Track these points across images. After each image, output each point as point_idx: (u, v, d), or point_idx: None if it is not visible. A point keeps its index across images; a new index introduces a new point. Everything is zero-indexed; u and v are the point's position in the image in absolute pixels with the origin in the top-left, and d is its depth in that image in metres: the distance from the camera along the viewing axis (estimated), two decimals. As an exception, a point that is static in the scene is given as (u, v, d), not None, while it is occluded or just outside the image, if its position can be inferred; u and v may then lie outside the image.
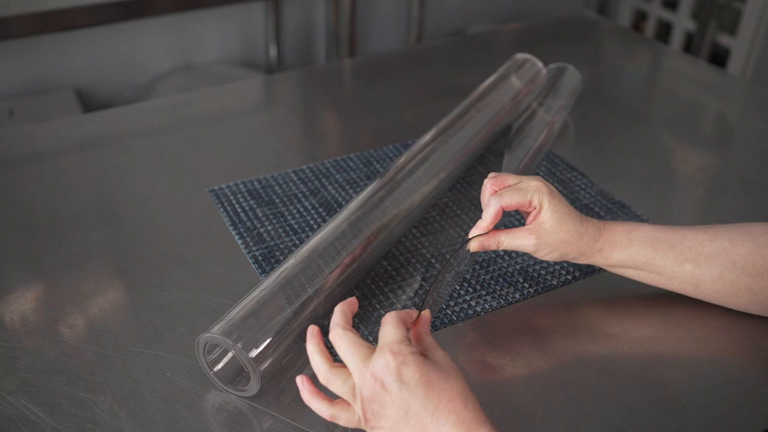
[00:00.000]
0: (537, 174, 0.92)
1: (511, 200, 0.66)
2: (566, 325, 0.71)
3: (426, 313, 0.57)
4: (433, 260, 0.77)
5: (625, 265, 0.69)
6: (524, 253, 0.78)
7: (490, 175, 0.69)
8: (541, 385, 0.64)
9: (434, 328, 0.69)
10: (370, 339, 0.67)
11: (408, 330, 0.54)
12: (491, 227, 0.67)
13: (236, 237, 0.79)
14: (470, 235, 0.67)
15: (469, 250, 0.68)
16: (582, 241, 0.67)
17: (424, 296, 0.58)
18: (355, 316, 0.69)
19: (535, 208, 0.66)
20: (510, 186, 0.67)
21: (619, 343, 0.69)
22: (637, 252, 0.68)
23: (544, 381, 0.65)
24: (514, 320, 0.71)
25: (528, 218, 0.67)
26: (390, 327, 0.53)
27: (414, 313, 0.56)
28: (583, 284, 0.75)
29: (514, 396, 0.63)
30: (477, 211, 0.84)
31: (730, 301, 0.68)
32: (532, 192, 0.66)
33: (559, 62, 1.05)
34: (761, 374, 0.66)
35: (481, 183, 0.89)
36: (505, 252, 0.78)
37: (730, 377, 0.66)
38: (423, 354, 0.52)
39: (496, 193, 0.67)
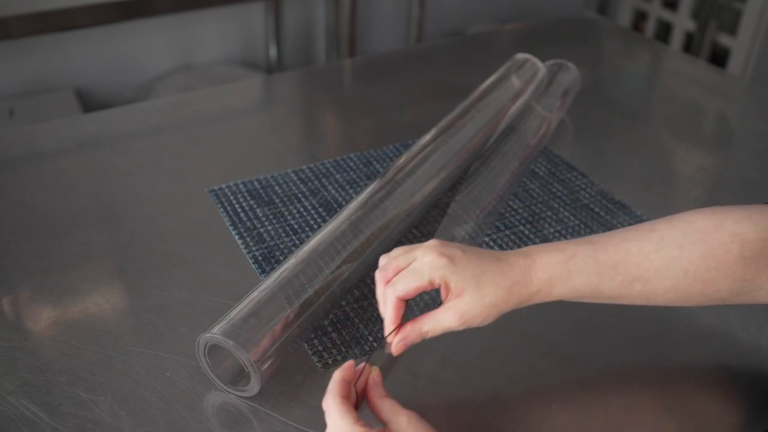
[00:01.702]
0: (537, 174, 0.92)
1: (407, 286, 0.56)
2: (566, 325, 0.71)
3: (374, 375, 0.51)
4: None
5: (567, 298, 0.60)
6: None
7: (380, 264, 0.59)
8: (541, 385, 0.64)
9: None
10: (370, 339, 0.67)
11: (362, 401, 0.50)
12: (399, 321, 0.57)
13: (236, 237, 0.79)
14: (386, 335, 0.57)
15: (391, 353, 0.57)
16: (513, 295, 0.57)
17: (368, 357, 0.52)
18: (356, 316, 0.69)
19: (440, 286, 0.56)
20: (402, 270, 0.57)
21: (619, 342, 0.69)
22: (579, 283, 0.58)
23: (544, 381, 0.65)
24: (513, 320, 0.71)
25: (442, 295, 0.57)
26: (335, 417, 0.48)
27: (350, 373, 0.50)
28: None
29: (514, 396, 0.63)
30: (478, 211, 0.84)
31: (683, 305, 0.61)
32: (428, 270, 0.56)
33: (556, 59, 1.05)
34: (761, 374, 0.66)
35: (483, 184, 0.89)
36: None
37: (730, 377, 0.66)
38: (386, 425, 0.48)
39: (390, 283, 0.57)
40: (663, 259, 0.57)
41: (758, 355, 0.68)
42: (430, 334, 0.57)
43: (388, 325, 0.57)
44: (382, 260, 0.59)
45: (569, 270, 0.58)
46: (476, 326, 0.57)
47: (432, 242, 0.58)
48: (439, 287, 0.56)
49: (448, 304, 0.56)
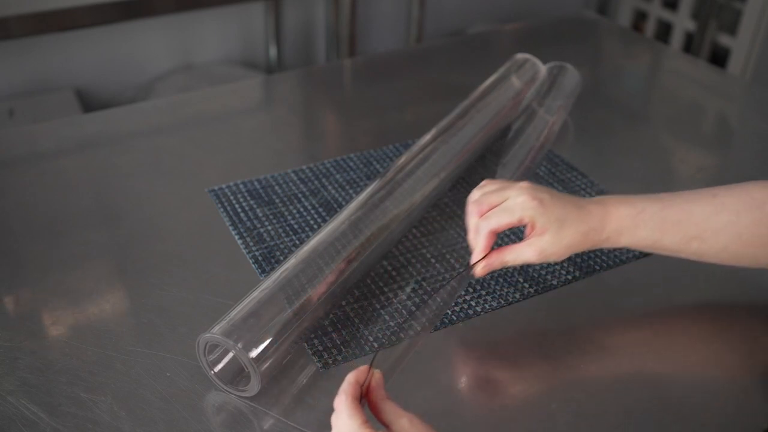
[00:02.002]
0: (537, 174, 0.92)
1: (499, 222, 0.64)
2: (566, 325, 0.71)
3: (377, 377, 0.52)
4: (433, 260, 0.77)
5: (632, 247, 0.68)
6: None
7: (472, 198, 0.67)
8: (541, 385, 0.64)
9: (434, 328, 0.69)
10: (370, 339, 0.67)
11: (363, 403, 0.50)
12: (488, 251, 0.65)
13: (236, 237, 0.79)
14: (472, 262, 0.66)
15: (472, 275, 0.66)
16: (587, 240, 0.65)
17: (374, 357, 0.54)
18: (356, 316, 0.69)
19: (527, 224, 0.64)
20: (495, 206, 0.65)
21: (619, 342, 0.69)
22: (644, 236, 0.66)
23: (544, 381, 0.65)
24: (514, 320, 0.71)
25: (526, 231, 0.65)
26: (344, 417, 0.48)
27: (363, 375, 0.51)
28: (583, 284, 0.75)
29: (514, 396, 0.63)
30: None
31: (733, 264, 0.68)
32: (520, 210, 0.63)
33: (557, 61, 1.05)
34: (762, 374, 0.66)
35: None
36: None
37: (730, 377, 0.66)
38: (388, 427, 0.49)
39: (484, 216, 0.65)
40: (721, 223, 0.65)
41: (759, 356, 0.68)
42: (510, 264, 0.66)
43: (478, 253, 0.65)
44: (476, 193, 0.67)
45: (637, 223, 0.65)
46: (551, 261, 0.66)
47: (524, 184, 0.65)
48: (525, 225, 0.64)
49: (531, 240, 0.64)
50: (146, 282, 0.73)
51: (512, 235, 0.80)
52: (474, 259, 0.66)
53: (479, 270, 0.66)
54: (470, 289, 0.73)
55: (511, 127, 0.93)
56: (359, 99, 1.14)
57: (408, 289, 0.73)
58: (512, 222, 0.64)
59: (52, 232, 0.79)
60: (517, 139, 0.87)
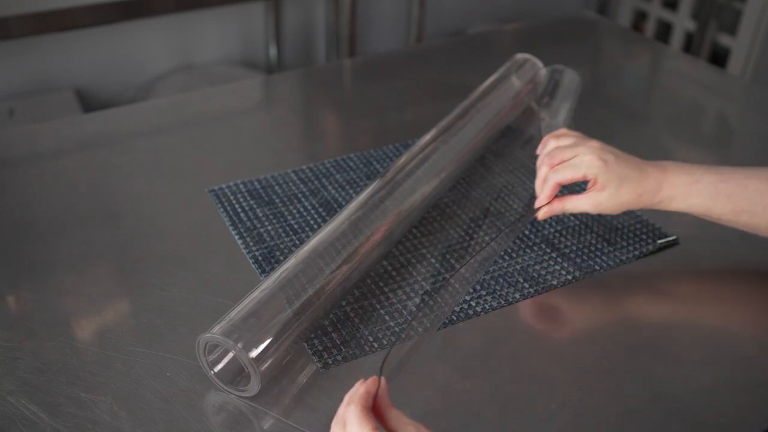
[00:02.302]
0: (535, 171, 0.92)
1: (565, 176, 0.72)
2: (566, 325, 0.71)
3: (381, 385, 0.51)
4: (433, 260, 0.77)
5: (683, 212, 0.73)
6: (524, 254, 0.78)
7: (548, 148, 0.74)
8: (541, 385, 0.64)
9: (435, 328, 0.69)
10: (370, 339, 0.67)
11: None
12: (551, 199, 0.74)
13: (236, 237, 0.79)
14: (536, 207, 0.74)
15: (535, 217, 0.76)
16: (641, 200, 0.72)
17: (382, 364, 0.55)
18: (356, 316, 0.69)
19: (590, 180, 0.71)
20: (566, 161, 0.72)
21: (619, 343, 0.69)
22: (695, 204, 0.71)
23: (543, 381, 0.65)
24: (514, 320, 0.71)
25: (588, 185, 0.72)
26: (355, 426, 0.48)
27: (374, 385, 0.51)
28: (583, 284, 0.75)
29: (514, 396, 0.63)
30: (477, 211, 0.84)
31: None
32: (585, 168, 0.71)
33: (556, 64, 1.05)
34: (762, 374, 0.66)
35: (481, 184, 0.89)
36: (505, 252, 0.78)
37: (730, 377, 0.66)
38: None
39: (553, 169, 0.73)
40: None
41: (759, 356, 0.68)
42: (569, 211, 0.74)
43: (543, 200, 0.74)
44: (551, 144, 0.75)
45: (691, 192, 0.71)
46: (604, 213, 0.73)
47: (595, 144, 0.73)
48: (588, 180, 0.72)
49: (590, 194, 0.72)
50: (146, 282, 0.73)
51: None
52: (538, 204, 0.74)
53: (541, 214, 0.75)
54: (470, 289, 0.73)
55: (513, 128, 0.93)
56: (359, 99, 1.14)
57: (430, 281, 0.73)
58: (577, 177, 0.71)
59: (52, 232, 0.79)
60: (521, 143, 0.88)
